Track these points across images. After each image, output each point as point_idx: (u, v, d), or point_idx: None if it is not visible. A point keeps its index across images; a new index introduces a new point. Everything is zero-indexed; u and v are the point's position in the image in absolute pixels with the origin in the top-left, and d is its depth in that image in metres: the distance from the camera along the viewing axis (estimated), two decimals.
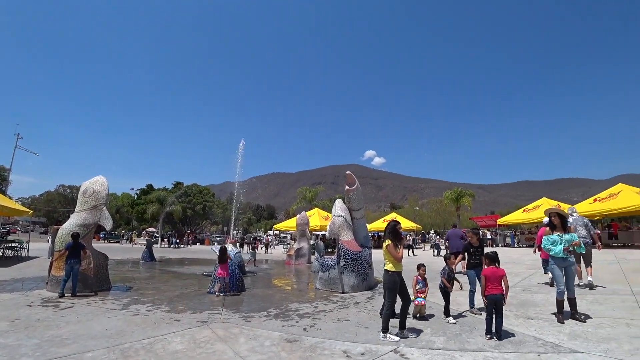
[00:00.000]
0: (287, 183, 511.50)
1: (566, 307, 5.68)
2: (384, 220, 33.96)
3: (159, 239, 40.83)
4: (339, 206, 9.77)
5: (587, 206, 23.24)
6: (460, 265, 7.65)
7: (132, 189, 64.61)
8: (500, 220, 31.06)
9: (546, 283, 9.14)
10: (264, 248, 29.18)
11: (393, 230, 5.29)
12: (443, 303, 6.04)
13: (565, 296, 5.65)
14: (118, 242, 44.88)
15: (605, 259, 14.06)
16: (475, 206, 65.99)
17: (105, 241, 45.15)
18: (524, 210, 28.68)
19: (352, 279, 8.78)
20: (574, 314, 5.62)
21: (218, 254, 9.13)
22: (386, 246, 5.15)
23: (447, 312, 5.87)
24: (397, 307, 5.23)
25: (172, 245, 37.70)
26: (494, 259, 5.22)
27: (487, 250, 6.11)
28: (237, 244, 29.38)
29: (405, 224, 32.36)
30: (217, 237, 56.78)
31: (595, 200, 23.28)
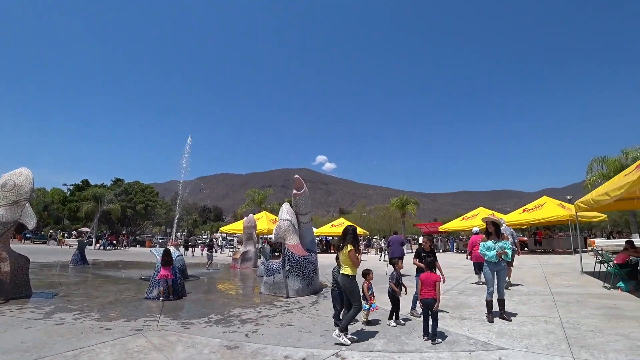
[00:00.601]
0: (237, 184, 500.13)
1: (496, 307, 6.13)
2: (332, 225, 34.42)
3: (94, 240, 37.77)
4: (285, 210, 9.74)
5: (517, 216, 25.53)
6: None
7: (65, 184, 59.31)
8: (441, 227, 32.85)
9: (476, 283, 10.12)
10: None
11: (355, 235, 5.40)
12: (385, 307, 6.21)
13: (496, 297, 6.11)
14: (45, 242, 40.85)
15: (530, 263, 15.43)
16: (419, 213, 69.09)
17: (30, 242, 40.96)
18: (463, 219, 30.65)
19: (297, 284, 8.77)
20: (502, 314, 6.09)
21: (161, 256, 8.69)
22: (348, 251, 5.20)
23: (392, 316, 6.02)
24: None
25: (102, 247, 33.78)
26: (429, 264, 5.48)
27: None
28: (181, 247, 28.11)
29: None
30: (159, 239, 53.94)
31: (524, 210, 25.67)
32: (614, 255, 9.46)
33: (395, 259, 6.87)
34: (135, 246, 42.76)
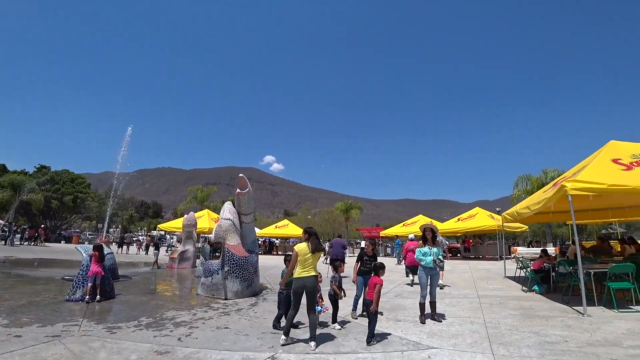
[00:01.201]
0: (179, 180, 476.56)
1: (429, 309, 6.50)
2: (277, 227, 34.20)
3: (9, 234, 33.62)
4: (227, 209, 9.48)
5: (453, 224, 27.43)
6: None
7: None
8: (382, 232, 34.02)
9: (409, 284, 10.86)
10: (144, 250, 26.40)
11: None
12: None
13: (428, 300, 6.48)
14: None
15: (462, 268, 16.55)
16: (362, 218, 71.10)
17: None
18: (404, 225, 32.03)
19: (236, 285, 8.56)
20: (433, 316, 6.47)
21: (91, 252, 8.07)
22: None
23: (335, 319, 6.06)
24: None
25: (9, 243, 28.52)
26: (375, 268, 5.67)
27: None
28: (113, 244, 26.11)
29: (298, 231, 33.01)
30: (89, 234, 49.73)
31: (459, 219, 27.69)
32: (531, 262, 10.47)
33: (338, 262, 6.98)
34: (60, 242, 38.99)
